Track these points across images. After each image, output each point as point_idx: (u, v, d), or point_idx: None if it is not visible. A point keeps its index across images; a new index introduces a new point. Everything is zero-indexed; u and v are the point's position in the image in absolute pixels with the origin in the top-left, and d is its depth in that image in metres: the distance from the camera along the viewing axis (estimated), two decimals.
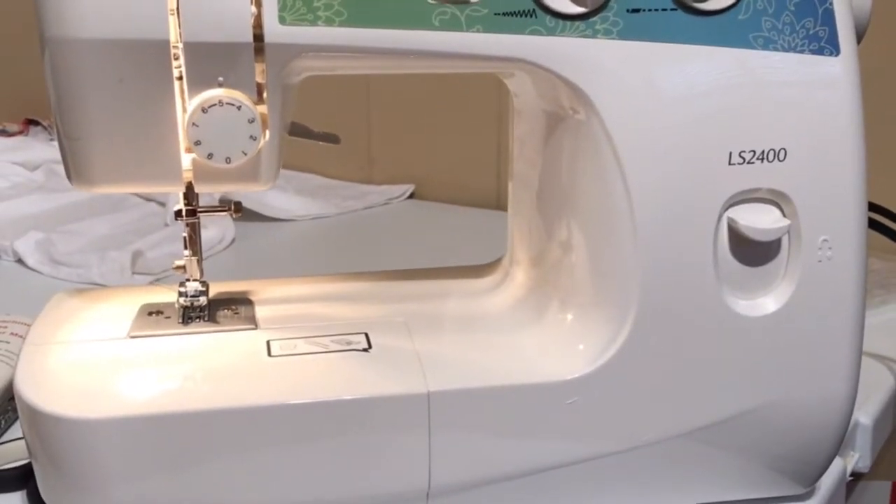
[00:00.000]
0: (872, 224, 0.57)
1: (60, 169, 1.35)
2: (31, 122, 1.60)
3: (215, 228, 1.09)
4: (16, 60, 1.64)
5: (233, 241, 1.12)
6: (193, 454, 0.52)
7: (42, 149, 1.44)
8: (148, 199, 1.26)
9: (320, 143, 0.62)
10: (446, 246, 1.13)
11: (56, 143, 1.47)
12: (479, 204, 1.29)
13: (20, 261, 1.04)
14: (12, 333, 0.74)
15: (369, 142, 1.40)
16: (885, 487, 0.98)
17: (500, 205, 1.29)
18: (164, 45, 0.51)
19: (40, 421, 0.52)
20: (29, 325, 0.73)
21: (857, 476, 0.72)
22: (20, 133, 1.58)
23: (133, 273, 0.99)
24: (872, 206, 0.57)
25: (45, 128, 1.59)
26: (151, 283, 0.96)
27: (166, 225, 1.16)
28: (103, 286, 0.94)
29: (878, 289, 0.91)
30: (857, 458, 0.70)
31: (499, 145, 1.30)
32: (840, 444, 0.59)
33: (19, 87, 1.67)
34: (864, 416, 0.71)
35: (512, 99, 0.63)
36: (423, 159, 1.37)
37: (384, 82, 1.36)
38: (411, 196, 1.35)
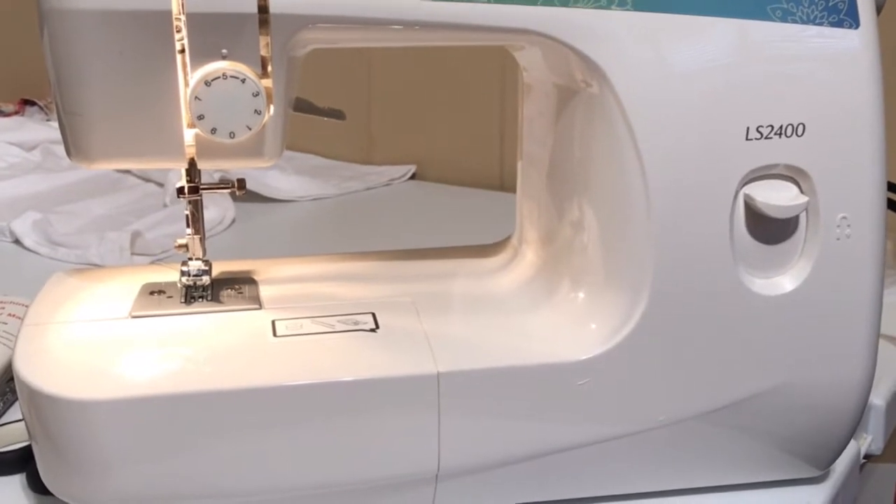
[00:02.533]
0: (889, 204, 0.56)
1: (57, 149, 1.35)
2: (27, 103, 1.59)
3: (215, 209, 1.08)
4: (11, 41, 1.62)
5: (233, 221, 1.10)
6: (197, 436, 0.51)
7: (38, 129, 1.42)
8: (146, 179, 1.25)
9: (325, 118, 0.61)
10: (448, 227, 1.12)
11: (52, 124, 1.47)
12: (481, 185, 1.28)
13: (17, 241, 1.03)
14: (10, 314, 0.73)
15: (370, 122, 1.38)
16: (893, 470, 0.98)
17: (502, 186, 1.28)
18: (166, 16, 0.49)
19: (40, 402, 0.50)
20: (27, 306, 0.72)
21: (868, 458, 0.71)
22: (16, 113, 1.56)
23: (132, 254, 0.97)
24: (890, 186, 0.56)
25: (41, 108, 1.57)
26: (152, 262, 0.95)
27: (165, 205, 1.15)
28: (102, 266, 0.93)
29: (890, 269, 0.90)
30: (869, 440, 0.70)
31: (501, 126, 1.28)
32: (856, 426, 0.58)
33: (14, 67, 1.65)
34: (878, 397, 0.69)
35: (521, 73, 0.62)
36: (425, 140, 1.35)
37: (385, 62, 1.35)
38: (413, 177, 1.34)
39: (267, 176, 1.20)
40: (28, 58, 1.52)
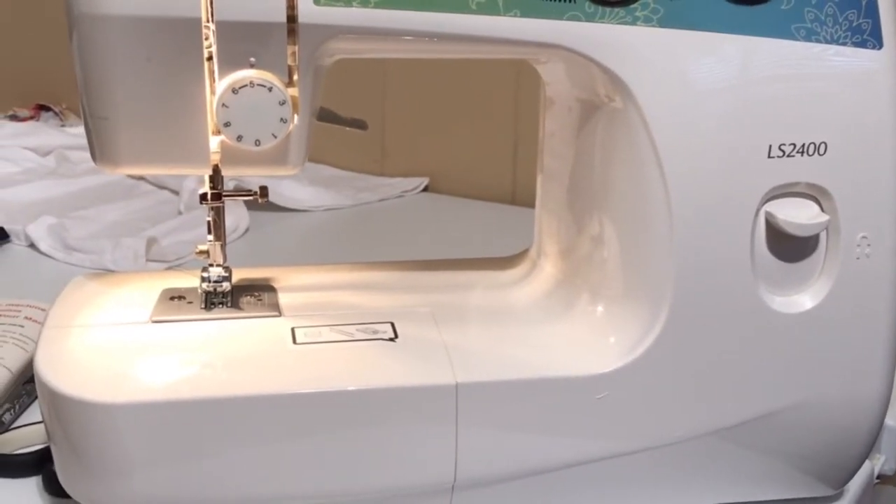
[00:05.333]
0: None
1: (72, 154, 1.36)
2: (43, 108, 1.60)
3: (230, 217, 1.08)
4: (27, 47, 1.63)
5: (247, 230, 1.11)
6: (215, 442, 0.51)
7: (53, 134, 1.42)
8: (161, 186, 1.25)
9: (347, 128, 0.61)
10: (461, 240, 1.12)
11: (67, 129, 1.47)
12: (493, 198, 1.28)
13: (32, 245, 1.03)
14: (26, 317, 0.73)
15: (383, 134, 1.39)
16: None
17: (515, 200, 1.28)
18: (195, 23, 0.50)
19: (61, 404, 0.51)
20: (42, 310, 0.72)
21: (881, 479, 0.71)
22: (31, 118, 1.57)
23: (147, 260, 0.98)
24: None
25: (56, 113, 1.58)
26: (168, 269, 0.95)
27: (180, 213, 1.15)
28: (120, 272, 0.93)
29: None
30: (883, 460, 0.69)
31: (515, 140, 1.29)
32: (872, 446, 0.58)
33: (30, 73, 1.66)
34: (892, 418, 0.69)
35: (544, 87, 0.62)
36: (438, 153, 1.36)
37: (400, 74, 1.35)
38: (425, 189, 1.34)
39: (281, 185, 1.20)
40: (44, 63, 1.54)
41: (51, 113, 1.59)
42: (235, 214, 1.10)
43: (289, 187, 1.21)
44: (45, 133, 1.43)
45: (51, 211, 1.10)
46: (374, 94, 1.38)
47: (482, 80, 1.28)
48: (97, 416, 0.50)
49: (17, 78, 1.69)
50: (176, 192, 1.21)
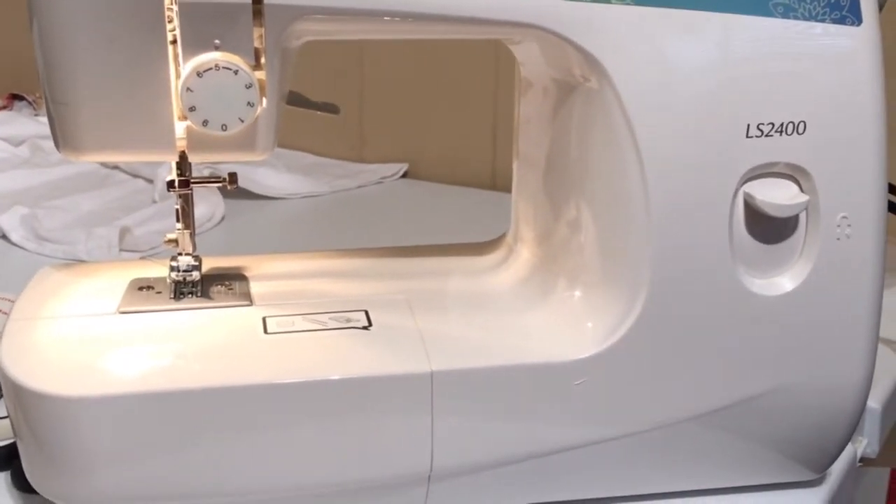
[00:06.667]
0: (890, 206, 0.55)
1: (45, 144, 1.34)
2: (16, 97, 1.57)
3: (205, 205, 1.07)
4: None
5: (222, 218, 1.09)
6: (186, 434, 0.50)
7: (27, 123, 1.40)
8: (135, 175, 1.23)
9: (318, 112, 0.60)
10: (441, 226, 1.11)
11: (41, 119, 1.45)
12: (473, 184, 1.27)
13: (4, 236, 1.01)
14: None
15: (361, 119, 1.38)
16: (884, 474, 0.97)
17: (495, 185, 1.27)
18: (158, 5, 0.48)
19: (26, 399, 0.49)
20: (13, 301, 0.70)
21: (863, 461, 0.70)
22: (4, 108, 1.54)
23: (120, 250, 0.96)
24: (891, 188, 0.56)
25: (29, 102, 1.56)
26: (141, 258, 0.94)
27: (154, 202, 1.14)
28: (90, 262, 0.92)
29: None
30: (865, 443, 0.69)
31: (494, 125, 1.28)
32: (854, 429, 0.58)
33: (2, 62, 1.64)
34: (873, 400, 0.69)
35: (518, 69, 0.61)
36: (417, 138, 1.34)
37: (377, 59, 1.34)
38: (404, 175, 1.33)
39: (257, 173, 1.18)
40: (16, 52, 1.51)
41: (24, 102, 1.56)
42: (211, 202, 1.08)
43: (266, 174, 1.20)
44: (18, 122, 1.41)
45: (24, 201, 1.09)
46: (352, 79, 1.36)
47: (461, 65, 1.27)
48: (63, 411, 0.49)
49: None
50: (150, 181, 1.20)
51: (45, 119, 1.45)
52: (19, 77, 1.59)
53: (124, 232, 0.98)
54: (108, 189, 1.19)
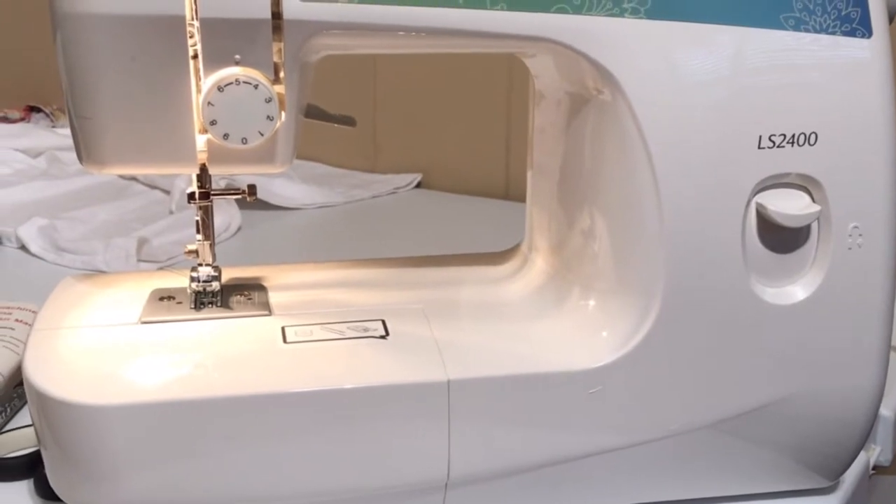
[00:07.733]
0: None
1: (63, 156, 1.35)
2: (33, 109, 1.59)
3: (221, 216, 1.08)
4: (18, 48, 1.63)
5: (239, 228, 1.10)
6: (206, 442, 0.51)
7: (44, 135, 1.42)
8: (152, 186, 1.25)
9: (336, 125, 0.61)
10: (454, 236, 1.12)
11: (58, 130, 1.46)
12: (487, 194, 1.28)
13: (23, 247, 1.03)
14: (17, 320, 0.72)
15: (375, 130, 1.38)
16: None
17: (508, 195, 1.28)
18: (180, 21, 0.49)
19: (50, 407, 0.50)
20: (34, 312, 0.72)
21: (876, 469, 0.71)
22: (22, 120, 1.56)
23: (138, 260, 0.97)
24: None
25: (46, 115, 1.58)
26: (159, 269, 0.95)
27: (171, 212, 1.15)
28: (110, 272, 0.93)
29: None
30: (878, 451, 0.69)
31: (507, 135, 1.28)
32: (867, 436, 0.58)
33: (21, 74, 1.66)
34: (886, 408, 0.69)
35: (532, 81, 0.62)
36: (430, 148, 1.35)
37: (391, 70, 1.35)
38: (418, 185, 1.34)
39: (273, 184, 1.19)
40: (34, 65, 1.53)
41: (42, 114, 1.58)
42: (227, 213, 1.10)
43: (281, 185, 1.21)
44: (35, 134, 1.43)
45: (42, 212, 1.10)
46: (366, 91, 1.37)
47: (475, 76, 1.28)
48: (86, 419, 0.50)
49: (7, 79, 1.68)
50: (167, 192, 1.21)
51: (62, 131, 1.47)
52: (37, 89, 1.61)
53: (142, 242, 0.99)
54: (126, 200, 1.20)
